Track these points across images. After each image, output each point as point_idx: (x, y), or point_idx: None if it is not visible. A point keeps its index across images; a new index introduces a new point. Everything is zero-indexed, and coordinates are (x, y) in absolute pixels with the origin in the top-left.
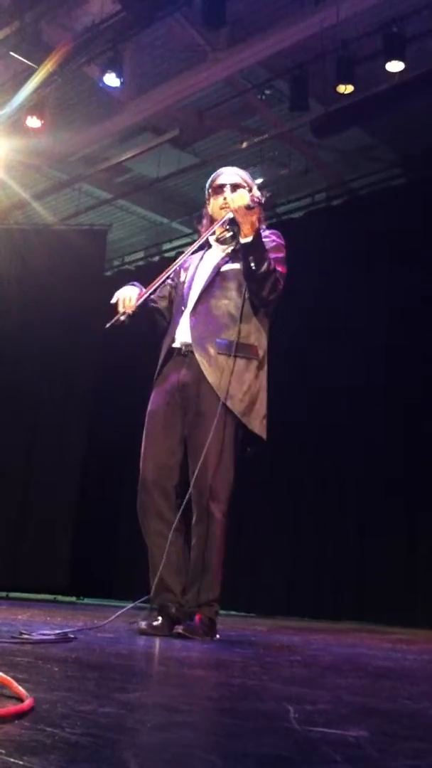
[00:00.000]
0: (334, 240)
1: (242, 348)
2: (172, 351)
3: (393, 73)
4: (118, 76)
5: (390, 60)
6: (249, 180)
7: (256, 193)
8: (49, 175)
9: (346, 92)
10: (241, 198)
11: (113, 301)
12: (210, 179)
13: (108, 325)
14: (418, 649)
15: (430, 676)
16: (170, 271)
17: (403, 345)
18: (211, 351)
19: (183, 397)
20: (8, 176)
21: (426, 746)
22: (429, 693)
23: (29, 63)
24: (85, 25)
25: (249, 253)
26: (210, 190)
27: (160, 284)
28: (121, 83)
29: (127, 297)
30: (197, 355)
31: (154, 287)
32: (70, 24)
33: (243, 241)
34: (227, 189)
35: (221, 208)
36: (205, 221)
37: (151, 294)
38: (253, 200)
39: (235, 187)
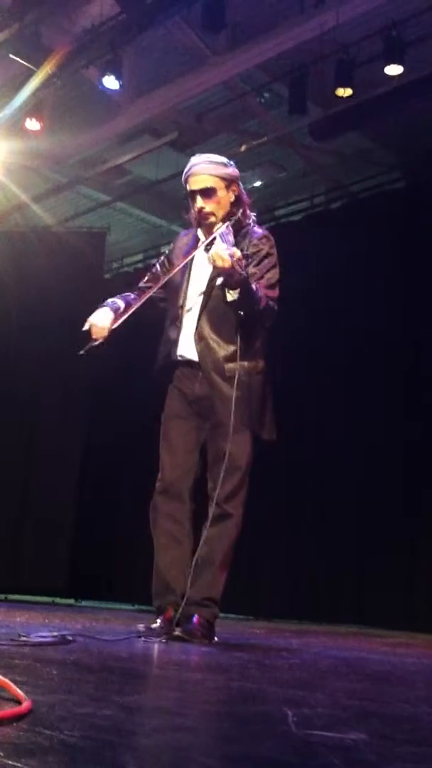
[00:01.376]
0: (332, 243)
1: (250, 359)
2: (177, 361)
3: (392, 76)
4: (118, 78)
5: (389, 64)
6: (223, 170)
7: (237, 253)
8: (48, 178)
9: (345, 95)
10: (223, 260)
11: (85, 327)
12: (184, 173)
13: (81, 352)
14: (417, 652)
15: (429, 680)
16: (145, 299)
17: (402, 347)
18: (221, 367)
19: (200, 407)
20: (7, 178)
21: (424, 750)
22: (427, 697)
23: (28, 65)
24: (85, 28)
25: (238, 308)
26: (185, 189)
27: (139, 306)
28: (120, 86)
29: (99, 324)
30: (208, 374)
31: (131, 311)
32: (69, 26)
33: (229, 298)
34: (198, 197)
35: (196, 218)
36: (191, 212)
37: (125, 317)
38: (236, 267)
39: (207, 192)
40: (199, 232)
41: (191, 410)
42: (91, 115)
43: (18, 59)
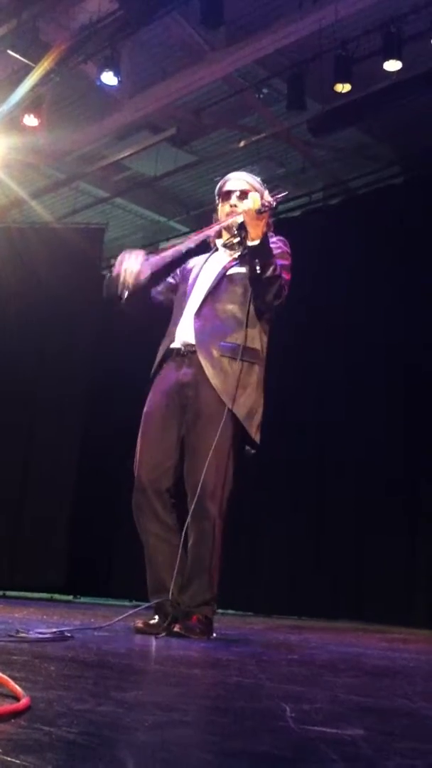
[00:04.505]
0: (331, 239)
1: (247, 352)
2: (171, 351)
3: (391, 72)
4: (116, 74)
5: (388, 59)
6: (258, 185)
7: (268, 198)
8: (46, 174)
9: (343, 91)
10: (253, 202)
11: (115, 270)
12: (218, 185)
13: (105, 295)
14: (416, 648)
15: (428, 675)
16: (175, 250)
17: (402, 343)
18: (215, 353)
19: (182, 396)
20: (5, 174)
21: (422, 746)
22: (426, 692)
23: (27, 61)
24: (83, 23)
25: (255, 256)
26: (218, 196)
27: (167, 264)
28: (119, 81)
29: (132, 269)
30: (200, 357)
31: (162, 264)
32: (67, 22)
33: (250, 244)
34: (234, 196)
35: (227, 215)
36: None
37: (157, 272)
38: (264, 205)
39: (243, 193)
40: (218, 242)
41: (173, 402)
42: (89, 111)
43: (16, 55)
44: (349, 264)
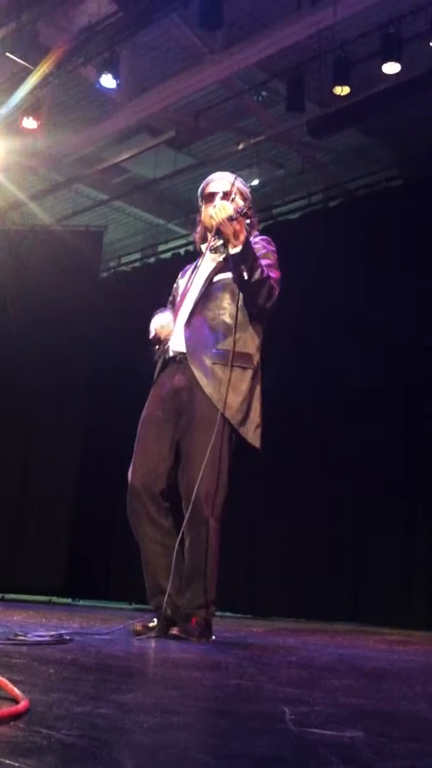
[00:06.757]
0: (330, 241)
1: (238, 357)
2: (167, 360)
3: (389, 74)
4: (115, 77)
5: (387, 61)
6: (241, 185)
7: (240, 202)
8: (45, 176)
9: (342, 93)
10: (224, 210)
11: (152, 334)
12: (201, 186)
13: (156, 358)
14: (414, 650)
15: (426, 677)
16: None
17: (402, 346)
18: (207, 362)
19: (177, 401)
20: (4, 177)
21: (422, 747)
22: (425, 694)
23: (26, 64)
24: (82, 26)
25: (239, 262)
26: (202, 198)
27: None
28: (118, 84)
29: (165, 326)
30: (193, 367)
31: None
32: (66, 25)
33: (232, 251)
34: (217, 198)
35: (211, 217)
36: (198, 228)
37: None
38: (236, 211)
39: (225, 195)
40: (203, 247)
41: (169, 407)
42: (88, 114)
43: (15, 58)
44: (348, 266)
